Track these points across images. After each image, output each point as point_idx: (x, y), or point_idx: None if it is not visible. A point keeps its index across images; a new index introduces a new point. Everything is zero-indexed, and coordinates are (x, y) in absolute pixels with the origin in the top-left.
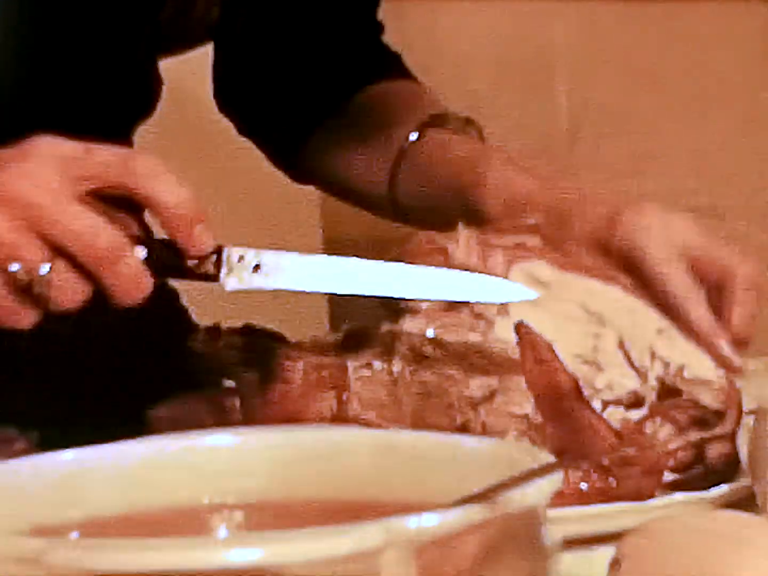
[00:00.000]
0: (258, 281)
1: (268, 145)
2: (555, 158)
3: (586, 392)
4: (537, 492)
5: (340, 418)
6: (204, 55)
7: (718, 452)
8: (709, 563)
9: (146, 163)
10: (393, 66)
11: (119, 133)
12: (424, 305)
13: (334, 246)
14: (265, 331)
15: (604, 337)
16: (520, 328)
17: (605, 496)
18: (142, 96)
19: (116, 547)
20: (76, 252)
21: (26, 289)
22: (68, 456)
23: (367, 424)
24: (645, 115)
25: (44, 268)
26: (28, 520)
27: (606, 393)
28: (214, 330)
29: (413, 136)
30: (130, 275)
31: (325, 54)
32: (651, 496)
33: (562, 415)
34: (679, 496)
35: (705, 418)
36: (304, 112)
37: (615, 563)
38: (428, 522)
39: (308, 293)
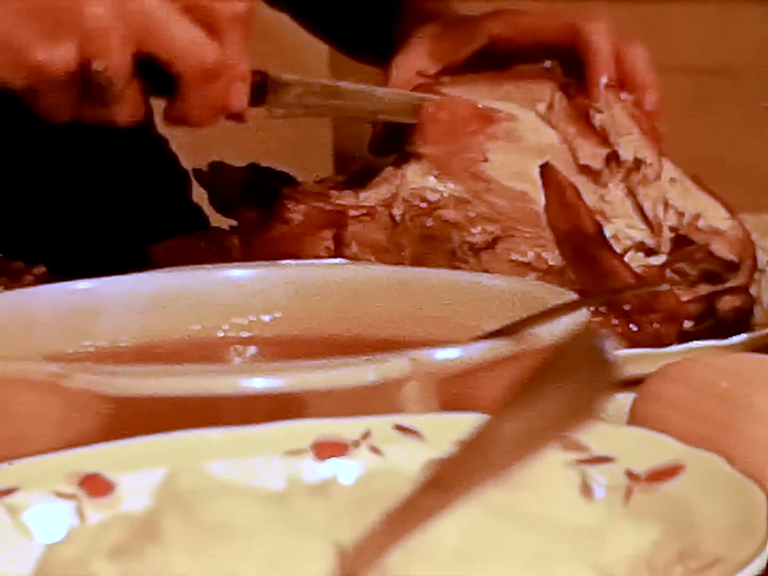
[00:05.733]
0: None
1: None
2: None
3: None
4: (562, 328)
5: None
6: None
7: (730, 305)
8: (734, 403)
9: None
10: None
11: None
12: (428, 150)
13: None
14: (270, 171)
15: (612, 186)
16: (545, 169)
17: (625, 341)
18: None
19: (141, 373)
20: (178, 63)
21: (93, 92)
22: (82, 285)
23: None
24: None
25: (122, 77)
26: (40, 349)
27: (612, 243)
28: (219, 165)
29: None
30: (236, 92)
31: None
32: (670, 342)
33: (584, 259)
34: (697, 343)
35: (716, 272)
36: None
37: (636, 405)
38: (453, 355)
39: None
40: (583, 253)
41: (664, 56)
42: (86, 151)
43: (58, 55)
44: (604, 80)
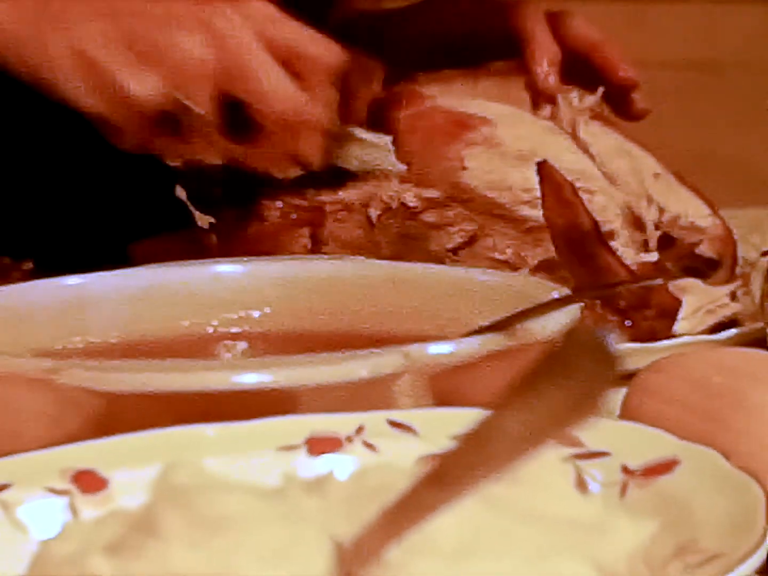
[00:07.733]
0: None
1: None
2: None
3: None
4: (555, 322)
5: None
6: None
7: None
8: (726, 397)
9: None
10: None
11: None
12: (406, 162)
13: None
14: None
15: (593, 184)
16: (542, 167)
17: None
18: None
19: (133, 368)
20: (263, 110)
21: (171, 124)
22: (72, 281)
23: None
24: None
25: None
26: (29, 345)
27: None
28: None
29: None
30: (312, 144)
31: None
32: (664, 337)
33: (580, 255)
34: (689, 337)
35: (698, 268)
36: None
37: (628, 399)
38: (446, 349)
39: None
40: (580, 249)
41: (650, 52)
42: (73, 148)
43: (147, 85)
44: (545, 63)
